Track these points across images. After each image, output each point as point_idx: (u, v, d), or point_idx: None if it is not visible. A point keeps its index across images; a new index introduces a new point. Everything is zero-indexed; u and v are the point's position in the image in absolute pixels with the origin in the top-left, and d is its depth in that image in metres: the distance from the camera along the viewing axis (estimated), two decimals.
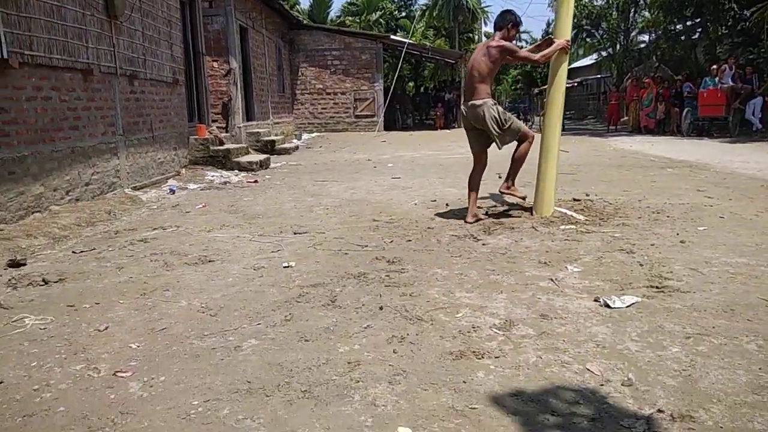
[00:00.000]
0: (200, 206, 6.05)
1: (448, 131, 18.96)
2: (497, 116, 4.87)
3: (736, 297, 2.96)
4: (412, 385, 2.11)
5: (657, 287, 3.14)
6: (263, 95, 14.32)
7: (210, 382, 2.20)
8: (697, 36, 19.93)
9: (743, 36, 16.58)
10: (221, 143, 9.58)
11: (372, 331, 2.63)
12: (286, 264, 3.77)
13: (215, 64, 11.59)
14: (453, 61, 23.24)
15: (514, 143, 5.09)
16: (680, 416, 1.84)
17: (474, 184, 5.14)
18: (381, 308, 2.91)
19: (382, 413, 1.93)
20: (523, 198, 5.34)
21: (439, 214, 5.33)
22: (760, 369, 2.16)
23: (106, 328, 2.75)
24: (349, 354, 2.39)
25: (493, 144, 5.06)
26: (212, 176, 8.34)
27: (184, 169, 8.58)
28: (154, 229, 5.01)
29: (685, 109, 15.60)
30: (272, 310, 2.94)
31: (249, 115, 12.96)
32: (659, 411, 1.88)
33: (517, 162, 5.16)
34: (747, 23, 15.50)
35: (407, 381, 2.14)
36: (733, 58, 14.48)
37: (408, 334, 2.58)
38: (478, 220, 5.00)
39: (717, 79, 14.46)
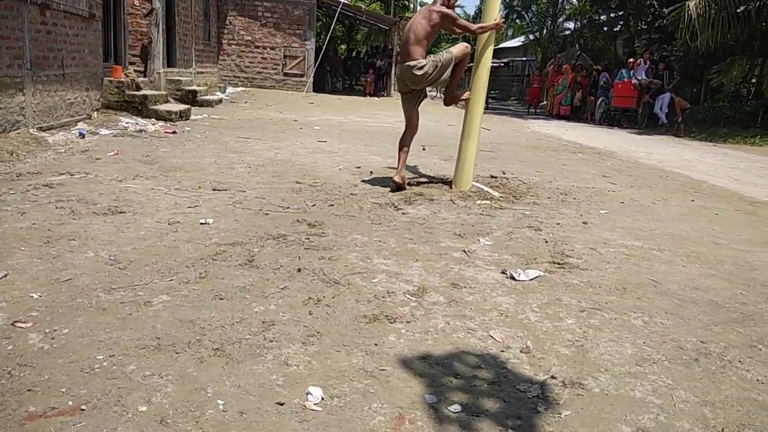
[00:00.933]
0: (112, 154, 5.73)
1: (377, 99, 18.89)
2: (436, 61, 4.96)
3: (629, 276, 3.23)
4: (325, 347, 2.16)
5: (558, 263, 3.36)
6: (187, 41, 13.58)
7: (116, 336, 2.14)
8: (618, 28, 20.94)
9: (660, 33, 17.60)
10: (138, 88, 9.04)
11: (289, 292, 2.65)
12: (203, 220, 3.68)
13: (137, 2, 10.82)
14: (387, 28, 23.03)
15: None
16: (571, 383, 2.02)
17: (404, 144, 5.26)
18: (299, 270, 2.93)
19: (294, 372, 1.97)
20: (467, 99, 5.32)
21: (363, 181, 5.36)
22: (644, 343, 2.39)
23: (5, 276, 2.59)
24: (264, 314, 2.40)
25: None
26: (127, 123, 7.89)
27: (96, 113, 8.04)
28: (61, 174, 4.70)
29: (600, 99, 16.44)
30: (186, 267, 2.88)
31: (170, 61, 12.27)
32: (552, 377, 2.05)
33: (459, 67, 5.14)
34: (664, 20, 16.43)
35: (321, 342, 2.19)
36: (648, 53, 15.32)
37: (324, 297, 2.62)
38: (403, 181, 5.08)
39: (632, 72, 15.31)
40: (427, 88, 5.14)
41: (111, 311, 2.34)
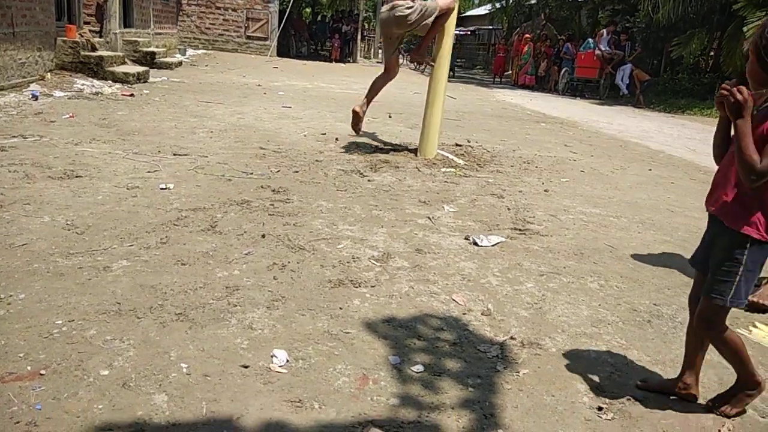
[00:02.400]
0: (67, 116, 5.51)
1: (342, 65, 18.60)
2: (423, 7, 4.87)
3: (586, 242, 3.32)
4: (289, 311, 2.17)
5: (520, 230, 3.43)
6: (144, 1, 13.03)
7: (75, 301, 2.10)
8: None
9: (623, 4, 17.74)
10: (94, 48, 8.66)
11: (253, 257, 2.64)
12: (163, 185, 3.60)
13: None
14: None
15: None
16: (529, 343, 2.09)
17: (376, 88, 5.47)
18: (263, 236, 2.92)
19: (259, 336, 1.97)
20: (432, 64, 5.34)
21: (328, 148, 5.31)
22: (599, 305, 2.48)
23: None
24: (228, 279, 2.39)
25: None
26: (82, 84, 7.57)
27: (49, 74, 7.68)
28: (13, 137, 4.50)
29: (563, 69, 16.58)
30: (146, 232, 2.82)
31: (127, 21, 11.76)
32: (512, 338, 2.11)
33: (438, 22, 5.02)
34: None
35: (285, 306, 2.20)
36: (612, 26, 15.43)
37: (289, 262, 2.62)
38: (360, 112, 5.49)
39: (595, 43, 15.45)
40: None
41: (69, 276, 2.29)
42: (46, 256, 2.46)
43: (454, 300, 2.40)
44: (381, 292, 2.41)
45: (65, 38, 8.26)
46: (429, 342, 2.05)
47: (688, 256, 3.22)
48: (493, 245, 3.11)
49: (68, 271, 2.34)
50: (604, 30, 15.20)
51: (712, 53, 15.51)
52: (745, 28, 12.16)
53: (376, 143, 5.78)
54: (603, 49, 14.89)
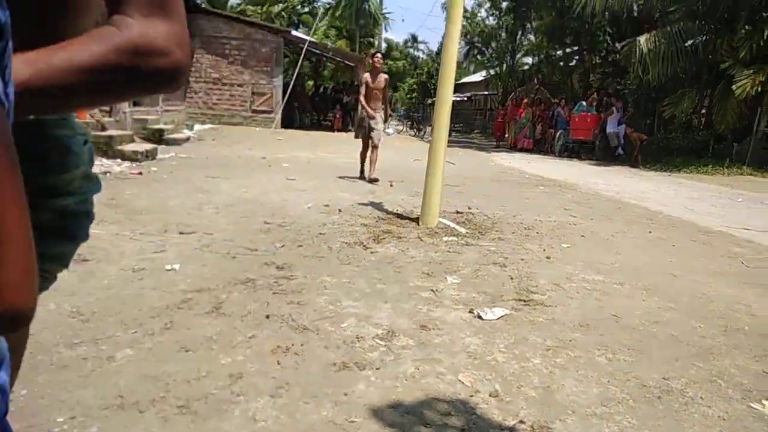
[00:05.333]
0: None
1: (345, 134, 19.07)
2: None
3: (591, 312, 3.31)
4: (293, 399, 2.15)
5: (524, 300, 3.42)
6: None
7: (78, 395, 2.09)
8: (573, 63, 21.77)
9: (613, 67, 18.37)
10: (103, 128, 8.96)
11: (257, 341, 2.63)
12: (169, 266, 3.63)
13: None
14: (353, 64, 23.43)
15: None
16: (539, 427, 2.05)
17: (363, 156, 8.23)
18: (267, 317, 2.92)
19: (262, 428, 1.95)
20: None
21: (331, 220, 5.39)
22: (608, 382, 2.45)
23: None
24: (232, 366, 2.38)
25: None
26: None
27: None
28: None
29: (558, 131, 16.99)
30: (151, 317, 2.83)
31: (137, 101, 12.21)
32: (521, 422, 2.08)
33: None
34: (617, 55, 17.19)
35: (289, 394, 2.18)
36: (619, 102, 15.52)
37: (293, 345, 2.61)
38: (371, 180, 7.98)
39: (593, 107, 15.89)
40: (385, 127, 8.28)
41: (73, 368, 2.29)
42: (51, 346, 2.46)
43: (460, 381, 2.37)
44: (386, 374, 2.39)
45: (76, 119, 8.55)
46: (436, 429, 2.01)
47: (694, 323, 3.22)
48: (497, 318, 3.10)
49: (72, 362, 2.33)
50: (613, 108, 15.23)
51: (703, 111, 15.88)
52: (734, 87, 12.53)
53: (378, 213, 5.86)
54: (614, 129, 15.02)
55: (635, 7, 17.68)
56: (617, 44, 17.86)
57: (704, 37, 14.69)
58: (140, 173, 7.53)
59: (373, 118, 7.79)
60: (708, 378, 2.54)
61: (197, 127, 16.11)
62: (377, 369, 2.43)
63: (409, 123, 27.14)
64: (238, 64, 17.93)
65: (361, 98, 7.84)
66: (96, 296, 3.07)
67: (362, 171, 8.33)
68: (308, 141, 15.06)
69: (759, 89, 12.35)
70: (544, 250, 4.75)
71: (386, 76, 7.96)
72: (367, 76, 7.92)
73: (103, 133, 8.77)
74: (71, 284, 3.23)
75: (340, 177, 8.50)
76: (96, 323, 2.73)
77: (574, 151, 16.80)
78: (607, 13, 17.47)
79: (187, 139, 12.60)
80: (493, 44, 29.12)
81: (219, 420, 1.98)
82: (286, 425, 1.97)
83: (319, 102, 24.30)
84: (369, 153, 8.02)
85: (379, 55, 8.24)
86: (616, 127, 14.95)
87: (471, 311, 3.19)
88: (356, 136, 8.21)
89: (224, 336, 2.66)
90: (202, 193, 6.36)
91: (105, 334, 2.61)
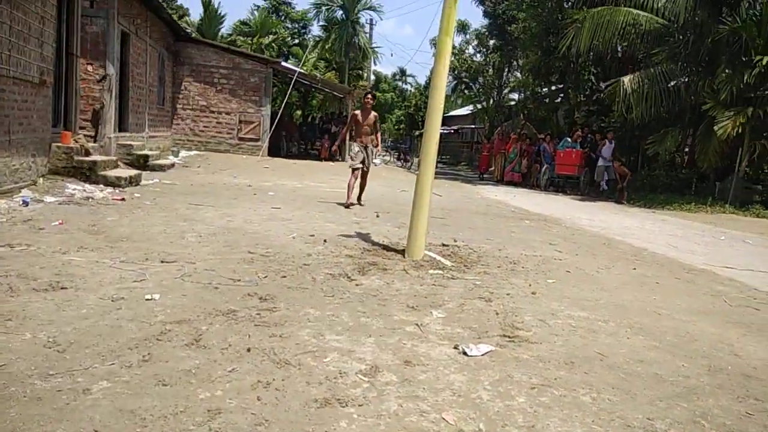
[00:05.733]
0: (57, 223, 5.55)
1: (332, 163, 19.14)
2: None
3: (576, 350, 3.29)
4: None
5: (509, 336, 3.40)
6: (140, 106, 13.56)
7: (51, 430, 2.02)
8: (559, 100, 22.22)
9: (598, 105, 18.76)
10: (87, 153, 8.90)
11: (237, 375, 2.58)
12: (148, 296, 3.57)
13: (90, 68, 10.82)
14: (341, 95, 23.69)
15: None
16: None
17: (352, 185, 8.67)
18: (248, 350, 2.86)
19: None
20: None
21: (316, 251, 5.36)
22: (593, 422, 2.42)
23: None
24: (210, 401, 2.31)
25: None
26: (74, 189, 7.69)
27: (41, 179, 7.83)
28: (0, 246, 4.51)
29: (544, 166, 17.23)
30: (129, 349, 2.77)
31: (122, 126, 12.18)
32: None
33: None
34: (602, 94, 17.57)
35: (269, 431, 2.12)
36: (610, 135, 15.78)
37: (274, 380, 2.55)
38: (351, 204, 8.59)
39: (578, 143, 16.17)
40: (380, 156, 9.40)
41: (47, 401, 2.21)
42: (25, 378, 2.38)
43: (444, 419, 2.33)
44: (369, 411, 2.35)
45: (60, 144, 8.50)
46: None
47: (678, 363, 3.21)
48: (482, 354, 3.07)
49: (46, 394, 2.26)
50: (605, 140, 15.44)
51: (686, 149, 16.22)
52: (716, 127, 12.84)
53: (364, 244, 5.84)
54: (606, 156, 15.25)
55: (619, 48, 18.18)
56: (602, 83, 18.30)
57: (686, 79, 15.12)
58: (123, 199, 7.47)
59: (365, 148, 8.69)
60: (692, 419, 2.52)
61: (183, 153, 16.08)
62: (360, 406, 2.38)
63: (396, 154, 27.37)
64: (227, 93, 18.03)
65: (344, 132, 9.21)
66: (73, 326, 3.00)
67: (348, 198, 8.72)
68: (295, 170, 15.08)
69: (740, 130, 12.67)
70: (530, 285, 4.75)
71: (376, 113, 8.70)
72: (358, 113, 8.69)
73: (87, 159, 8.71)
74: (48, 312, 3.16)
75: (326, 207, 8.49)
76: (72, 354, 2.66)
77: (560, 185, 17.01)
78: (591, 53, 17.94)
79: (173, 165, 12.56)
80: (480, 80, 29.70)
81: None
82: None
83: (306, 131, 24.45)
84: (358, 181, 8.76)
85: (370, 96, 8.85)
86: (607, 161, 15.15)
87: (456, 347, 3.16)
88: (352, 166, 8.77)
89: (203, 369, 2.60)
90: (185, 221, 6.30)
91: (81, 365, 2.54)
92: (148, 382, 2.43)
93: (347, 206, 8.53)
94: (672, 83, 14.92)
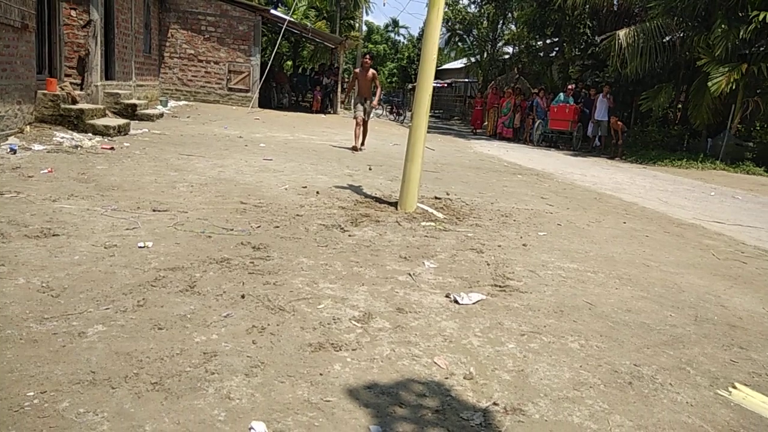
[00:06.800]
0: (46, 171, 5.47)
1: (323, 116, 18.90)
2: None
3: (565, 299, 3.35)
4: (269, 378, 2.13)
5: (500, 286, 3.45)
6: (126, 54, 13.19)
7: (48, 371, 2.04)
8: (554, 54, 21.88)
9: (593, 59, 18.49)
10: (74, 101, 8.69)
11: (232, 320, 2.60)
12: (141, 244, 3.56)
13: (73, 13, 10.45)
14: (333, 46, 23.17)
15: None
16: (512, 409, 2.07)
17: (357, 133, 9.93)
18: (243, 296, 2.89)
19: (237, 407, 1.93)
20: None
21: (309, 202, 5.34)
22: (580, 366, 2.48)
23: None
24: (206, 344, 2.34)
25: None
26: (62, 138, 7.55)
27: (28, 127, 7.67)
28: None
29: (537, 121, 17.09)
30: (123, 294, 2.78)
31: (108, 74, 11.87)
32: (494, 404, 2.10)
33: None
34: (597, 48, 17.31)
35: (264, 373, 2.16)
36: (606, 89, 15.57)
37: (269, 325, 2.58)
38: (356, 148, 9.87)
39: (571, 98, 16.01)
40: (376, 108, 10.36)
41: (43, 343, 2.23)
42: (20, 321, 2.39)
43: (436, 363, 2.38)
44: (362, 355, 2.39)
45: (46, 91, 8.29)
46: (411, 409, 2.02)
47: (666, 312, 3.28)
48: (473, 303, 3.12)
49: (42, 337, 2.28)
50: (599, 94, 15.25)
51: (680, 106, 16.14)
52: (709, 83, 12.74)
53: (356, 196, 5.83)
54: (600, 118, 15.10)
55: (615, 2, 17.79)
56: (597, 37, 17.97)
57: (682, 34, 14.88)
58: (112, 148, 7.36)
59: (363, 102, 9.91)
60: (678, 365, 2.59)
61: (172, 103, 15.77)
62: (353, 350, 2.43)
63: (389, 107, 26.99)
64: (215, 41, 17.53)
65: (349, 88, 10.83)
66: (66, 271, 2.99)
67: (354, 143, 10.09)
68: (286, 121, 14.88)
69: (733, 87, 12.59)
70: (521, 237, 4.79)
71: (374, 72, 9.97)
72: (357, 71, 10.13)
73: (74, 107, 8.51)
74: (41, 258, 3.14)
75: (318, 158, 8.43)
76: (66, 299, 2.66)
77: (552, 141, 16.95)
78: (587, 5, 17.55)
79: (161, 115, 12.33)
80: (474, 32, 29.06)
81: (193, 398, 1.95)
82: (260, 404, 1.95)
83: (297, 82, 23.99)
84: (360, 129, 10.05)
85: (368, 56, 10.12)
86: (605, 116, 15.03)
87: (447, 296, 3.20)
88: (355, 117, 10.10)
89: (198, 315, 2.62)
90: (176, 171, 6.24)
91: (76, 309, 2.55)
92: (144, 326, 2.45)
93: (354, 150, 9.93)
94: (667, 38, 14.70)
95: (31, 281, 2.82)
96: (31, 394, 1.89)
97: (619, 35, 14.66)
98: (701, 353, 2.76)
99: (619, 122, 14.60)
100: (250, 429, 1.80)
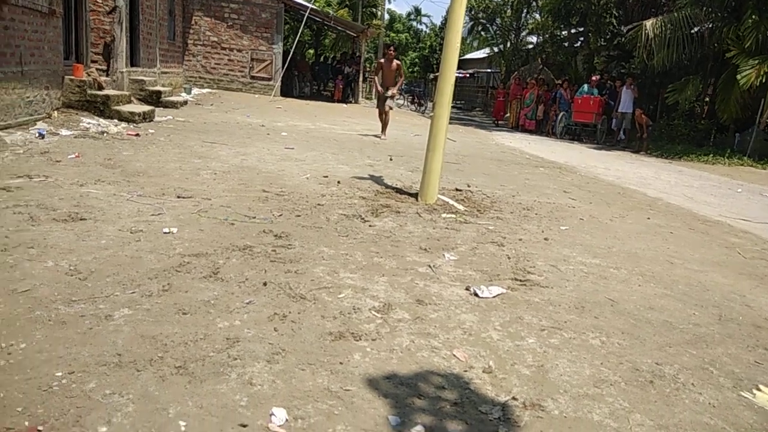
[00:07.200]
0: (73, 156, 5.57)
1: (345, 105, 18.89)
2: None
3: (587, 295, 3.32)
4: (290, 365, 2.16)
5: (520, 280, 3.44)
6: (151, 40, 13.31)
7: (76, 352, 2.09)
8: (578, 44, 21.53)
9: (618, 50, 18.16)
10: (100, 87, 8.82)
11: (254, 307, 2.64)
12: (166, 230, 3.62)
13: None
14: (355, 35, 23.09)
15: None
16: (531, 404, 2.07)
17: (383, 121, 10.49)
18: (265, 284, 2.92)
19: (258, 393, 1.96)
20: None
21: (330, 191, 5.36)
22: (601, 364, 2.47)
23: None
24: (229, 330, 2.38)
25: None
26: (88, 123, 7.67)
27: (56, 112, 7.80)
28: (19, 177, 4.55)
29: (561, 113, 16.84)
30: (149, 279, 2.83)
31: (134, 60, 12.00)
32: (513, 398, 2.10)
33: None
34: (623, 38, 16.98)
35: (285, 360, 2.19)
36: (629, 81, 15.26)
37: (290, 312, 2.61)
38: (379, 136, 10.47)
39: (595, 90, 15.74)
40: (396, 99, 10.73)
41: (71, 325, 2.29)
42: (49, 303, 2.45)
43: (455, 356, 2.39)
44: (382, 346, 2.41)
45: (72, 77, 8.42)
46: (430, 401, 2.03)
47: (689, 311, 3.24)
48: (493, 296, 3.12)
49: (70, 319, 2.33)
50: (624, 86, 14.98)
51: (707, 99, 15.79)
52: (738, 76, 12.43)
53: (377, 187, 5.83)
54: (624, 110, 14.82)
55: None
56: (623, 27, 17.62)
57: (710, 25, 14.51)
58: (137, 135, 7.45)
59: (386, 91, 10.16)
60: (700, 365, 2.56)
61: (195, 90, 15.89)
62: (373, 340, 2.45)
63: (410, 98, 26.86)
64: (238, 29, 17.59)
65: (375, 78, 10.61)
66: (94, 255, 3.06)
67: (381, 131, 10.72)
68: (308, 110, 14.91)
69: (763, 80, 12.25)
70: (543, 231, 4.75)
71: (398, 62, 10.30)
72: (383, 61, 10.32)
73: (100, 93, 8.64)
74: (69, 242, 3.21)
75: (339, 148, 8.44)
76: (94, 282, 2.72)
77: (576, 133, 16.72)
78: None
79: (185, 102, 12.44)
80: (498, 21, 28.70)
81: (216, 382, 1.99)
82: (281, 390, 1.98)
83: (319, 71, 23.97)
84: (384, 117, 10.59)
85: (391, 48, 10.51)
86: (629, 108, 14.75)
87: (467, 288, 3.20)
88: (377, 106, 10.85)
89: (221, 301, 2.66)
90: (199, 158, 6.30)
91: (103, 293, 2.61)
92: (169, 311, 2.49)
93: (378, 137, 10.58)
94: (695, 29, 14.34)
95: (60, 264, 2.89)
96: (60, 374, 1.94)
97: (646, 25, 14.35)
98: (725, 353, 2.72)
99: (643, 115, 14.33)
100: (271, 415, 1.83)
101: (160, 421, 1.75)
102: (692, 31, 14.22)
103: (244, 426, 1.77)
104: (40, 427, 1.67)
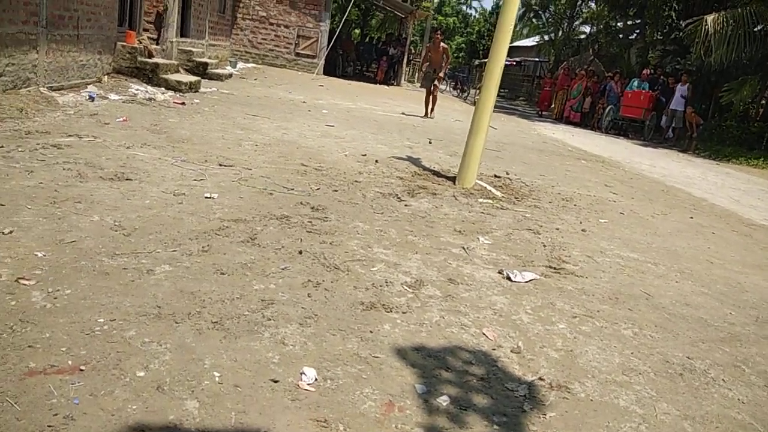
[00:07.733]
0: (121, 120, 5.74)
1: (387, 87, 18.84)
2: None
3: (622, 287, 3.28)
4: (321, 329, 2.21)
5: (555, 268, 3.41)
6: (201, 12, 13.50)
7: (118, 301, 2.18)
8: (634, 36, 20.87)
9: (675, 45, 17.53)
10: (150, 55, 9.01)
11: (289, 273, 2.69)
12: (208, 195, 3.71)
13: None
14: (403, 16, 22.91)
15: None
16: (558, 386, 2.07)
17: (427, 101, 11.21)
18: (300, 252, 2.97)
19: (290, 352, 2.01)
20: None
21: (367, 170, 5.39)
22: (631, 353, 2.44)
23: (11, 232, 2.63)
24: (264, 292, 2.44)
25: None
26: (136, 89, 7.87)
27: (106, 77, 8.02)
28: (69, 135, 4.71)
29: (608, 107, 16.38)
30: (189, 239, 2.91)
31: (183, 31, 12.20)
32: (540, 379, 2.10)
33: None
34: (681, 33, 16.37)
35: (317, 325, 2.24)
36: (684, 77, 14.77)
37: (324, 281, 2.66)
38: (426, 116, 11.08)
39: (647, 84, 15.27)
40: (441, 80, 11.55)
41: (113, 276, 2.38)
42: (93, 254, 2.56)
43: (484, 334, 2.40)
44: (412, 319, 2.43)
45: (124, 43, 8.63)
46: (457, 374, 2.05)
47: (725, 310, 3.16)
48: (526, 282, 3.10)
49: (113, 271, 2.43)
50: (678, 84, 14.50)
51: (763, 102, 15.16)
52: None
53: (415, 168, 5.83)
54: (675, 107, 14.36)
55: None
56: (682, 21, 16.97)
57: None
58: (183, 103, 7.61)
59: (433, 72, 10.99)
60: (733, 363, 2.51)
61: (240, 65, 16.08)
62: (403, 313, 2.47)
63: (453, 83, 26.53)
64: (286, 4, 17.66)
65: (422, 62, 11.60)
66: (137, 214, 3.16)
67: (425, 111, 11.34)
68: (350, 90, 14.93)
69: None
70: (581, 222, 4.69)
71: (445, 46, 11.09)
72: (430, 46, 11.31)
73: (150, 60, 8.83)
74: (114, 199, 3.33)
75: (378, 128, 8.45)
76: (137, 238, 2.82)
77: (622, 128, 16.27)
78: None
79: (230, 75, 12.61)
80: (552, 8, 28.04)
81: (249, 339, 2.05)
82: (312, 352, 2.03)
83: (363, 51, 23.91)
84: (430, 98, 11.26)
85: (439, 33, 11.46)
86: (681, 105, 14.26)
87: (500, 272, 3.19)
88: (422, 86, 11.76)
89: (258, 265, 2.73)
90: (241, 130, 6.41)
91: (145, 249, 2.70)
92: (207, 270, 2.57)
93: (424, 117, 11.10)
94: (759, 27, 13.71)
95: (105, 219, 3.00)
96: (102, 320, 2.03)
97: (706, 20, 13.79)
98: (759, 353, 2.65)
99: (694, 114, 13.85)
100: (301, 373, 1.88)
101: (195, 371, 1.82)
102: (755, 29, 13.61)
103: (276, 381, 1.83)
104: (82, 367, 1.76)
